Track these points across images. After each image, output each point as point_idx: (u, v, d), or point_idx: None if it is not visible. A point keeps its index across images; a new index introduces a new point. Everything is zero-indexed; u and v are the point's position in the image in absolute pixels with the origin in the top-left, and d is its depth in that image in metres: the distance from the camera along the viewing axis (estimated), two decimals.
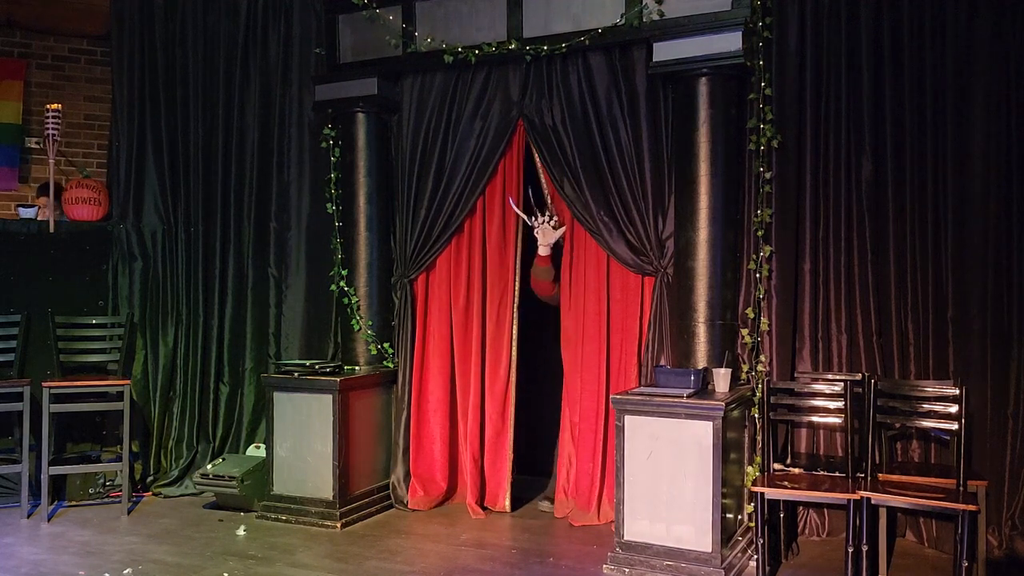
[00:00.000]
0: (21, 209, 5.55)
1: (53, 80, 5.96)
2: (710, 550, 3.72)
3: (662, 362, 4.34)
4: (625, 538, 3.90)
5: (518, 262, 4.88)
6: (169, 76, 5.62)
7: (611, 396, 4.05)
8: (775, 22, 4.22)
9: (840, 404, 3.86)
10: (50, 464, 4.83)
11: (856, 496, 3.57)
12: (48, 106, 5.50)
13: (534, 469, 5.28)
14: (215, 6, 5.58)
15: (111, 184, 5.73)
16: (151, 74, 5.62)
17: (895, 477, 3.79)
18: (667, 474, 3.82)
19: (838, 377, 4.11)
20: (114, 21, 5.63)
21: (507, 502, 4.87)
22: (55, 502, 5.03)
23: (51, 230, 5.39)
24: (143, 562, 4.06)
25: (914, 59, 4.10)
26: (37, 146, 5.82)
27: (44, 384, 4.81)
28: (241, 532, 4.58)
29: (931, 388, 3.85)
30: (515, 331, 4.88)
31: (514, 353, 4.88)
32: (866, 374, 3.99)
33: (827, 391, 3.95)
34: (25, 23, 5.81)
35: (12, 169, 5.78)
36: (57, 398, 4.83)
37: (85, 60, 6.05)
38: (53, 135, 5.44)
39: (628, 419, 3.90)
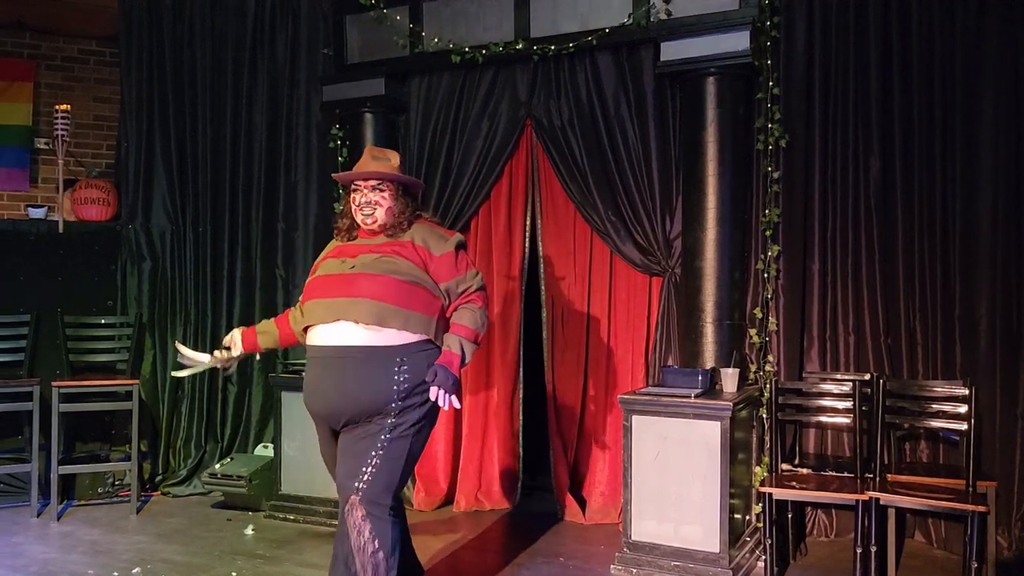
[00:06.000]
0: (31, 209, 5.58)
1: (62, 81, 5.98)
2: (718, 550, 3.72)
3: (670, 362, 4.34)
4: (633, 538, 3.90)
5: (525, 262, 4.87)
6: (177, 77, 5.64)
7: (619, 396, 4.04)
8: (783, 21, 4.21)
9: (848, 404, 3.85)
10: (59, 463, 4.85)
11: (865, 497, 3.55)
12: (57, 107, 5.53)
13: (542, 469, 5.27)
14: (223, 7, 5.59)
15: (120, 184, 5.74)
16: (159, 75, 5.64)
17: (904, 478, 3.77)
18: (675, 474, 3.81)
19: (846, 377, 4.09)
20: (123, 22, 5.64)
21: (515, 502, 4.88)
22: (64, 501, 5.05)
23: (60, 230, 5.42)
24: (152, 561, 4.07)
25: (923, 57, 4.08)
26: (46, 147, 5.84)
27: (53, 383, 4.83)
28: (249, 531, 4.59)
29: (940, 388, 3.83)
30: (521, 331, 4.87)
31: (520, 352, 4.88)
32: (874, 374, 3.98)
33: (835, 391, 3.94)
34: (34, 24, 5.83)
35: (23, 170, 5.81)
36: (66, 397, 4.85)
37: (94, 61, 6.07)
38: (62, 136, 5.47)
39: (636, 419, 3.89)
